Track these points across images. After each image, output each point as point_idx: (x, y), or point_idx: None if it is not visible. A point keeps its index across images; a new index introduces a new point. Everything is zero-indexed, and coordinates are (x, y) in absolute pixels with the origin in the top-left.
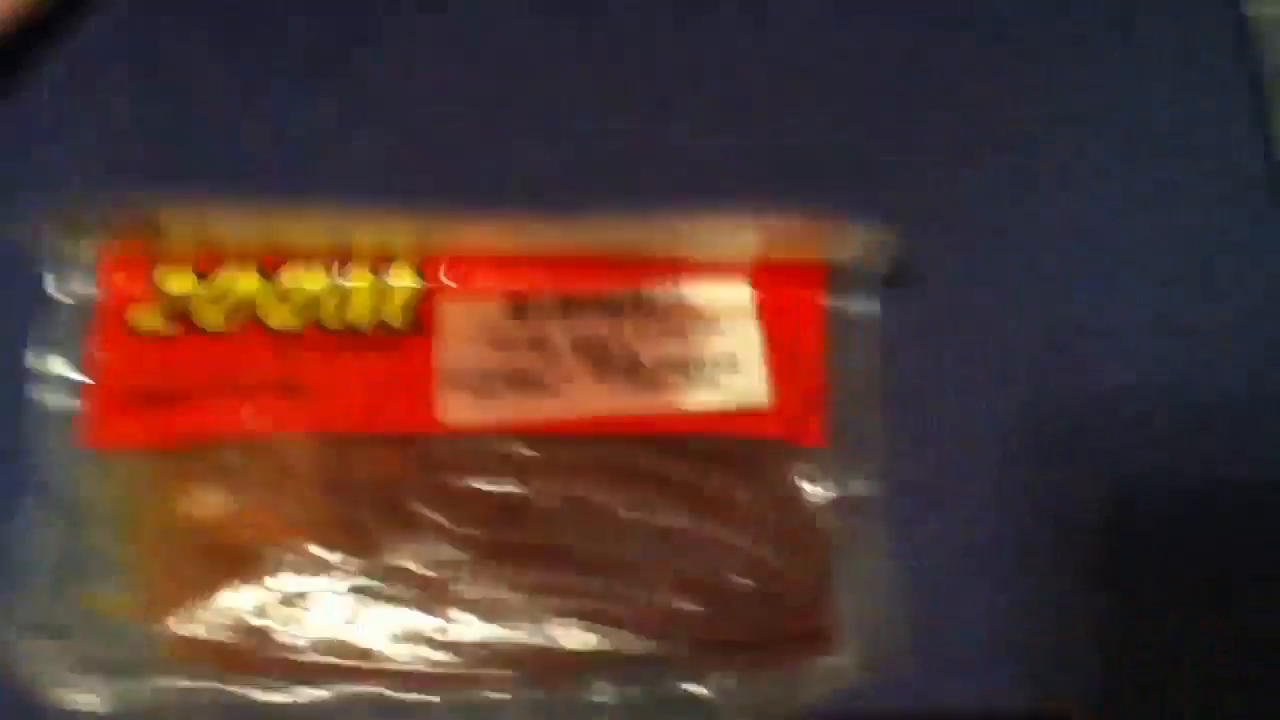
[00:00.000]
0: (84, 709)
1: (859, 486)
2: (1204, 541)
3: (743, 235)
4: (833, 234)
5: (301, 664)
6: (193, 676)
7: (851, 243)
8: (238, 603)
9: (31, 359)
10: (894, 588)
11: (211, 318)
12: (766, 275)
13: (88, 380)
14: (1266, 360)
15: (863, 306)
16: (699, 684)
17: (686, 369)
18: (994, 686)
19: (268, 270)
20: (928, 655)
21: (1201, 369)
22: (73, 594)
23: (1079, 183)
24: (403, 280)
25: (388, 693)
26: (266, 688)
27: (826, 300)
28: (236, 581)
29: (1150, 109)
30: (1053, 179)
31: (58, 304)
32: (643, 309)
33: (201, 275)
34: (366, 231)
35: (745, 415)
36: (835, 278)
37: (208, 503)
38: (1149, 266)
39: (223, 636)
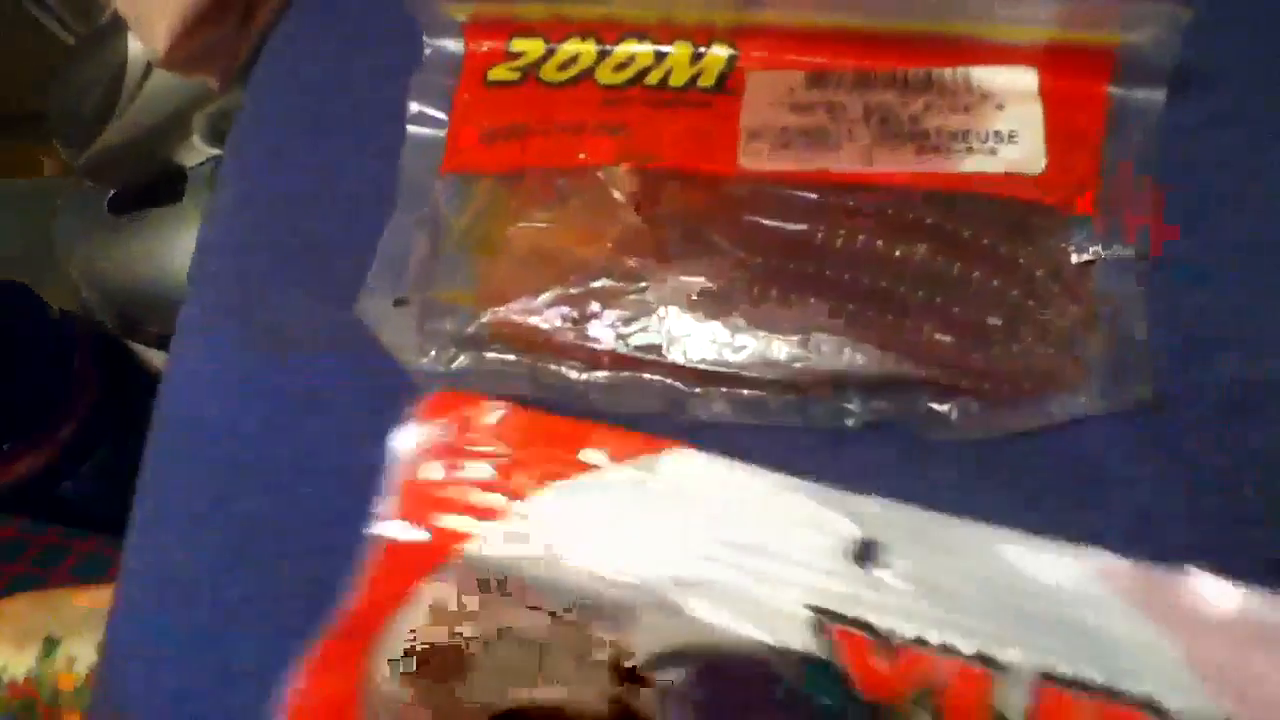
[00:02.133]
0: (427, 370)
1: (1120, 252)
2: None
3: (1034, 14)
4: (1123, 17)
5: (598, 352)
6: (513, 353)
7: (1142, 27)
8: (555, 298)
9: (411, 102)
10: (1141, 346)
11: (555, 75)
12: (1053, 59)
13: (451, 119)
14: None
15: (1146, 94)
16: (943, 403)
17: (968, 138)
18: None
19: (604, 41)
20: (1168, 405)
21: None
22: (430, 283)
23: None
24: (719, 49)
25: (669, 382)
26: (570, 368)
27: (1111, 87)
28: (556, 282)
29: None
30: None
31: (433, 58)
32: (932, 87)
33: (549, 43)
34: (687, 7)
35: (1019, 180)
36: (1123, 63)
37: (539, 217)
38: None
39: (539, 324)
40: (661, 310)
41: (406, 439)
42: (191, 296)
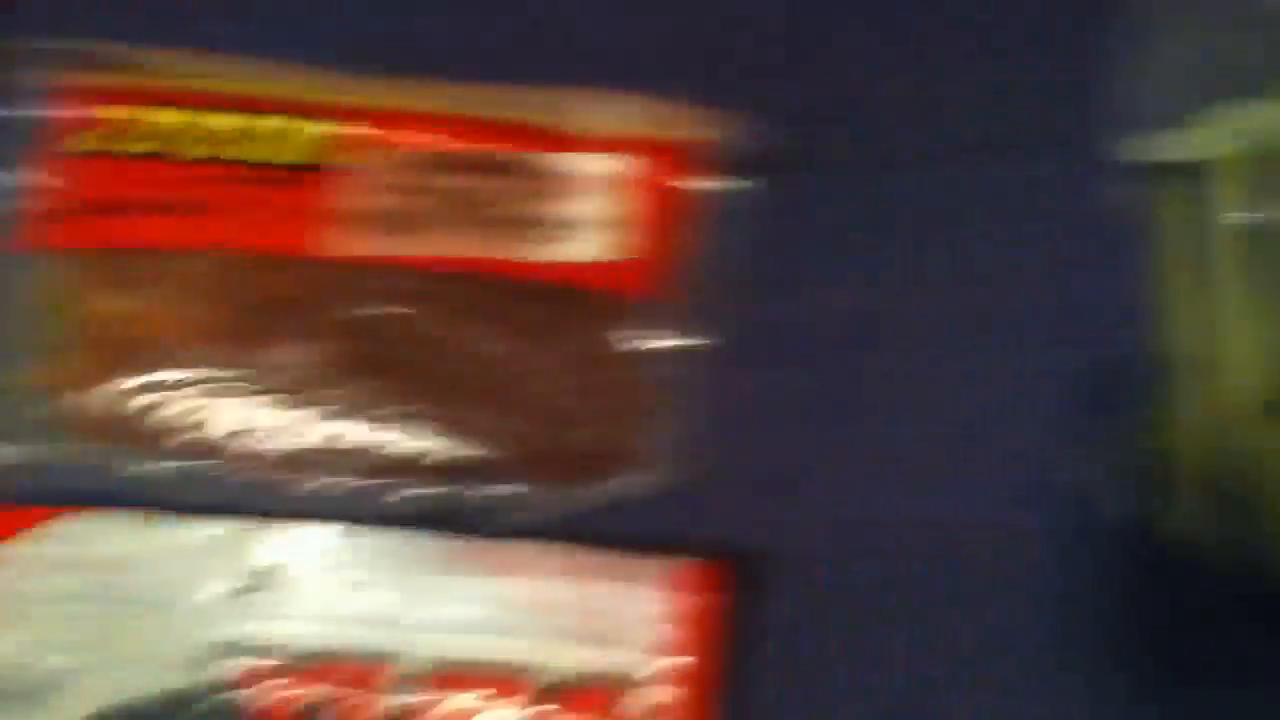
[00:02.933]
0: None
1: (681, 340)
2: None
3: (618, 113)
4: (695, 119)
5: (172, 442)
6: (79, 444)
7: (710, 128)
8: (131, 385)
9: None
10: (693, 431)
11: (138, 146)
12: (635, 150)
13: (26, 192)
14: None
15: (717, 186)
16: (503, 486)
17: (545, 225)
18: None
19: (193, 109)
20: (718, 484)
21: None
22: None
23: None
24: (310, 127)
25: (248, 470)
26: (144, 457)
27: (686, 179)
28: (133, 368)
29: None
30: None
31: (7, 123)
32: (519, 172)
33: (139, 110)
34: (282, 83)
35: (590, 269)
36: (696, 158)
37: (114, 300)
38: None
39: (108, 414)
40: (234, 400)
41: None
42: None
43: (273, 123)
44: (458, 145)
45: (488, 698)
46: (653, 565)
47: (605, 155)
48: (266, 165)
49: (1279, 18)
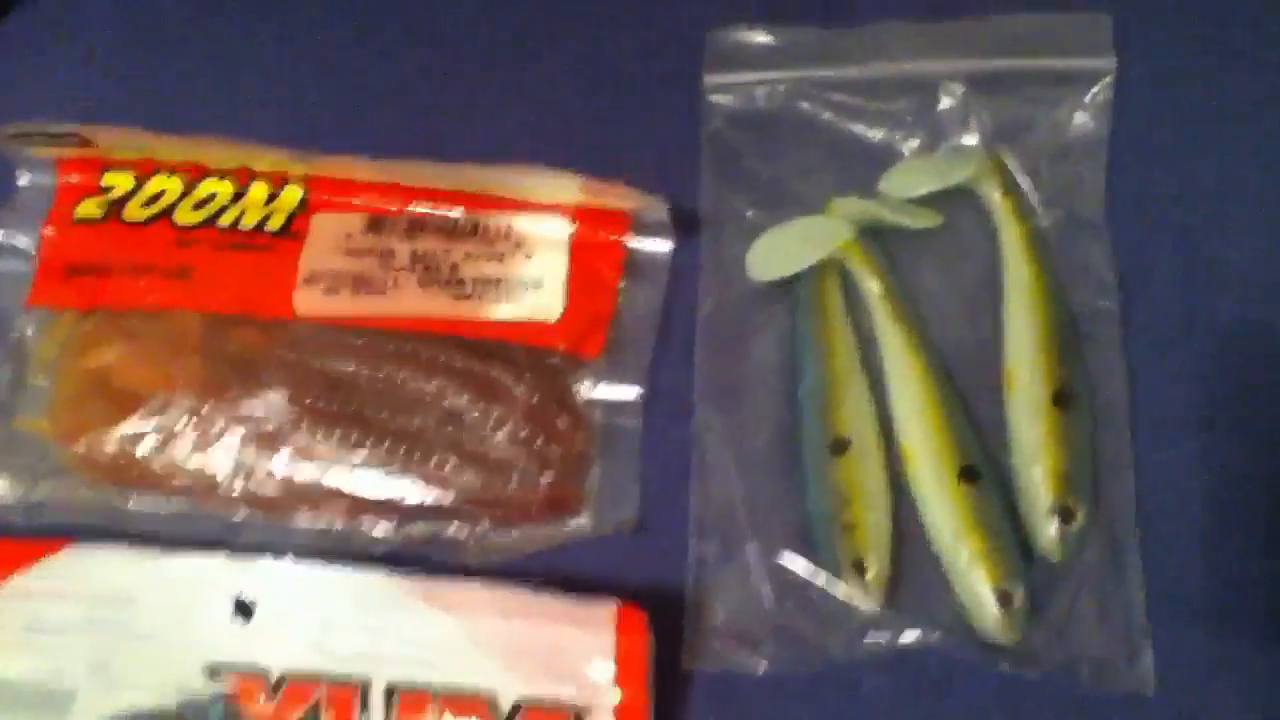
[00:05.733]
0: (2, 501)
1: (622, 393)
2: None
3: (562, 185)
4: (630, 194)
5: (164, 484)
6: (84, 484)
7: (644, 200)
8: (123, 433)
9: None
10: (635, 476)
11: (136, 214)
12: (581, 215)
13: (38, 253)
14: None
15: (655, 246)
16: (464, 528)
17: (499, 286)
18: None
19: (188, 179)
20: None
21: None
22: (12, 414)
23: None
24: (288, 196)
25: (223, 512)
26: (134, 498)
27: (627, 239)
28: (124, 417)
29: None
30: None
31: (25, 191)
32: (475, 234)
33: (138, 179)
34: (263, 158)
35: (539, 327)
36: (636, 222)
37: (111, 354)
38: None
39: (109, 457)
40: (219, 445)
41: None
42: None
43: (258, 190)
44: (419, 209)
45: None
46: (598, 609)
47: (549, 217)
48: (251, 231)
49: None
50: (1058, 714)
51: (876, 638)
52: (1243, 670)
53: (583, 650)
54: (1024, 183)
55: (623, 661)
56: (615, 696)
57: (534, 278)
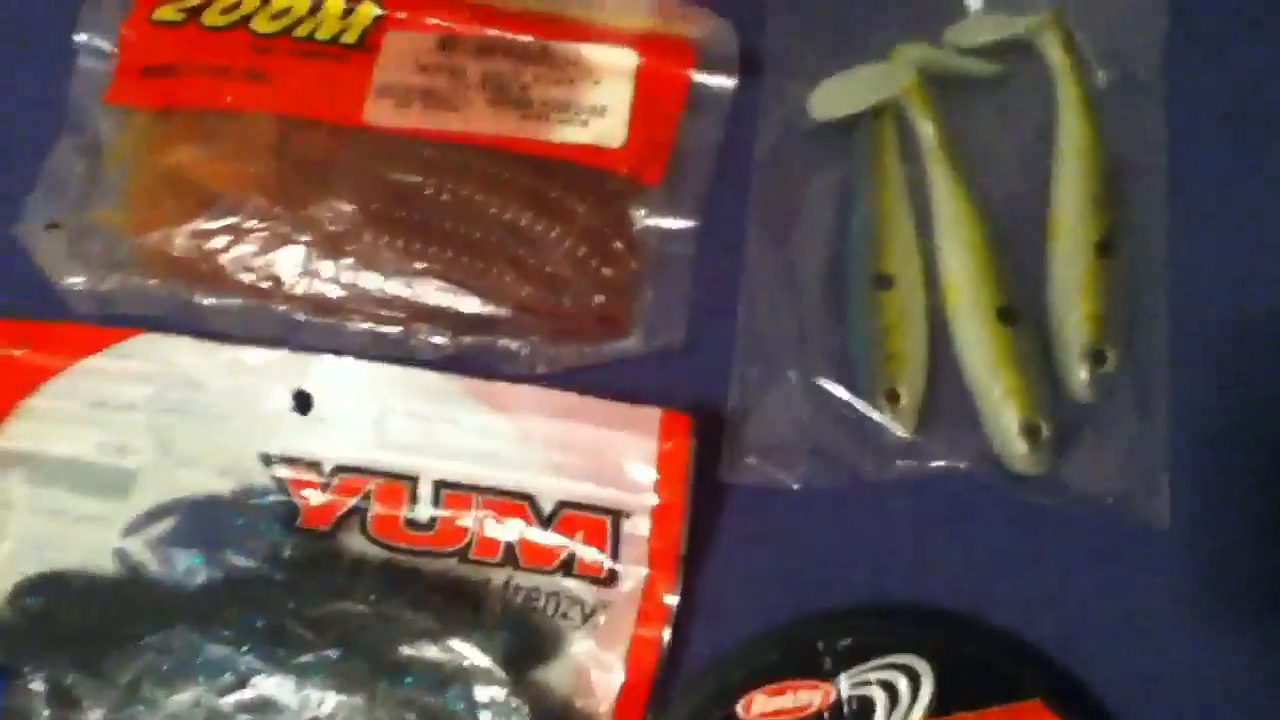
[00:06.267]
0: (77, 290)
1: (677, 221)
2: None
3: (632, 6)
4: (701, 20)
5: (230, 280)
6: (155, 276)
7: (714, 29)
8: (195, 229)
9: (79, 35)
10: (681, 299)
11: (215, 19)
12: (647, 44)
13: (116, 52)
14: None
15: (719, 82)
16: (515, 340)
17: (566, 109)
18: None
19: None
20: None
21: None
22: (86, 206)
23: None
24: (363, 11)
25: (288, 311)
26: (203, 293)
27: (692, 72)
28: (197, 214)
29: None
30: None
31: None
32: (544, 58)
33: None
34: None
35: (603, 152)
36: (700, 54)
37: (187, 153)
38: None
39: (180, 252)
40: (287, 247)
41: None
42: None
43: (334, 3)
44: (490, 32)
45: (494, 517)
46: (645, 413)
47: (617, 47)
48: (326, 43)
49: None
50: (1074, 543)
51: (907, 462)
52: (1251, 511)
53: (627, 452)
54: (1083, 38)
55: (664, 466)
56: (654, 499)
57: (600, 104)
